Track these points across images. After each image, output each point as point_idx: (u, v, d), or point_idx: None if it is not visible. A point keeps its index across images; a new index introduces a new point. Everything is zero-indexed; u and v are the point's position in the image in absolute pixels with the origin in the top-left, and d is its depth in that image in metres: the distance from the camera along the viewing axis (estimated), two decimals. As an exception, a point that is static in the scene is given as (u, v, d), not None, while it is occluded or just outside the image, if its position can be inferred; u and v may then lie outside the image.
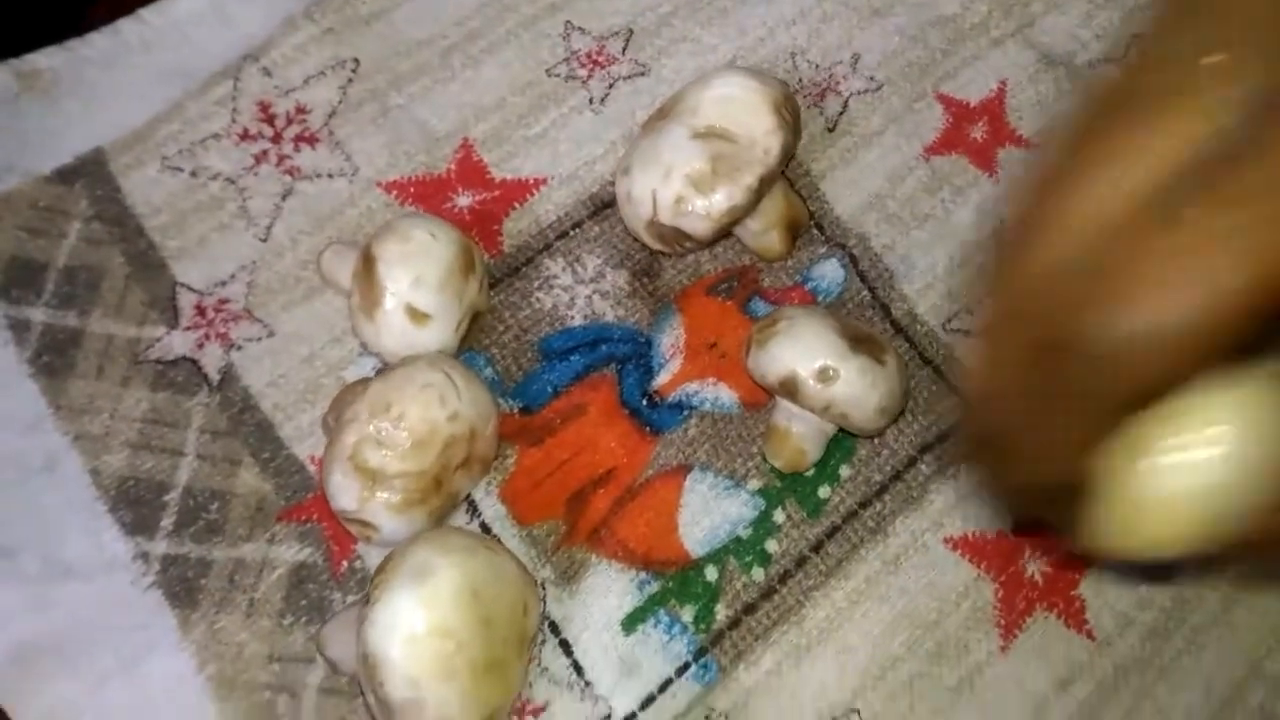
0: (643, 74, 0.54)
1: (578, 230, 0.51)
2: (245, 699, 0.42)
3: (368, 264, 0.44)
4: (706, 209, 0.46)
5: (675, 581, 0.45)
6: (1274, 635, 0.45)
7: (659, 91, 0.53)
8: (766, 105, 0.47)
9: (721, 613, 0.44)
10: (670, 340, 0.49)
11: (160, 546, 0.44)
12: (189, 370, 0.47)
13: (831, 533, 0.46)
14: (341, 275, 0.46)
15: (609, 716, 0.42)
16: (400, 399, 0.41)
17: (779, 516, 0.46)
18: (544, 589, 0.44)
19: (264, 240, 0.50)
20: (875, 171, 0.52)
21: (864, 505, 0.47)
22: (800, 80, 0.54)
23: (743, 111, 0.47)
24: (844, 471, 0.47)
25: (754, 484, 0.47)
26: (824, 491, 0.47)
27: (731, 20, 0.55)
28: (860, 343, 0.44)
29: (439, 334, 0.44)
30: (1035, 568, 0.46)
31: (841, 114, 0.53)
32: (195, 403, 0.47)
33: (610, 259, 0.50)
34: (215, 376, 0.47)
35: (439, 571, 0.38)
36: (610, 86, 0.54)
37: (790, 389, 0.44)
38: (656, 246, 0.48)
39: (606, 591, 0.44)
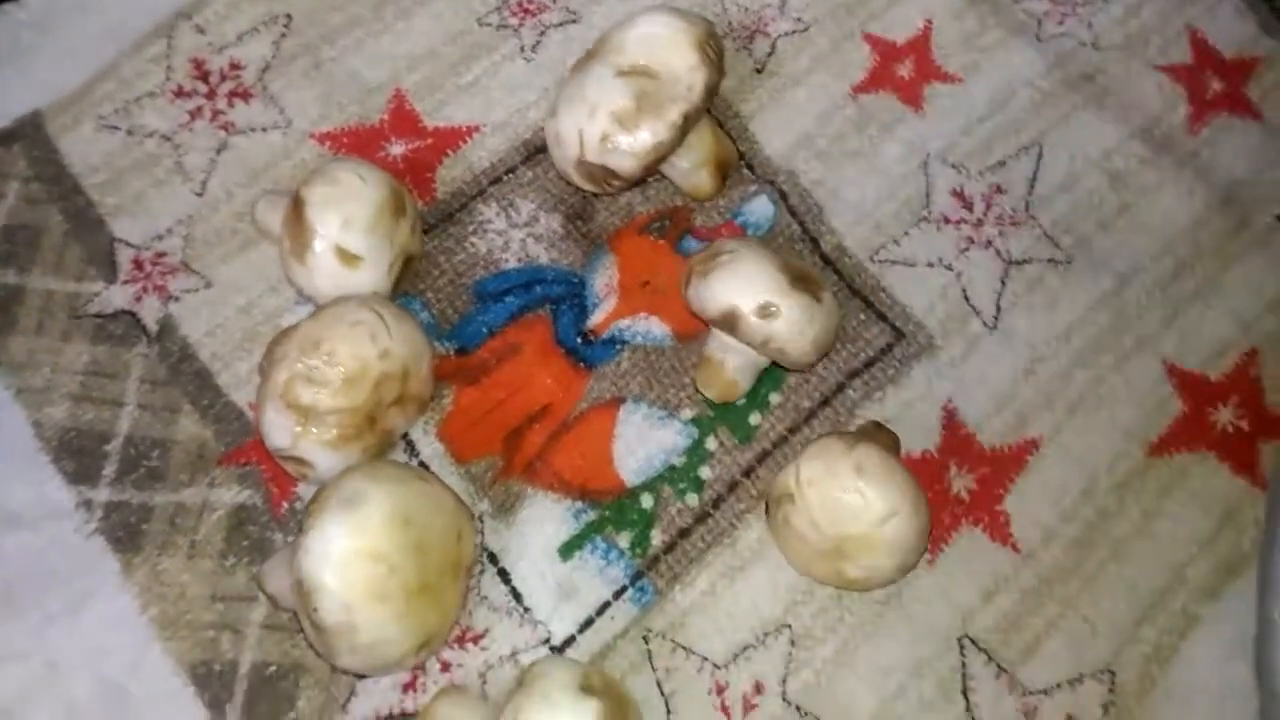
0: (574, 21, 0.55)
1: (511, 176, 0.51)
2: (189, 637, 0.43)
3: (297, 208, 0.45)
4: (631, 145, 0.47)
5: (611, 510, 0.46)
6: (1194, 543, 0.46)
7: (590, 38, 0.53)
8: (690, 42, 0.48)
9: (657, 538, 0.45)
10: (604, 280, 0.50)
11: (103, 494, 0.45)
12: (128, 323, 0.48)
13: (762, 458, 0.47)
14: (275, 224, 0.47)
15: (548, 640, 0.43)
16: (330, 336, 0.42)
17: (711, 444, 0.47)
18: (481, 521, 0.45)
19: (200, 194, 0.50)
20: (804, 111, 0.53)
21: (793, 431, 0.47)
22: (729, 23, 0.55)
23: (666, 49, 0.48)
24: (774, 399, 0.48)
25: (687, 413, 0.47)
26: (754, 419, 0.48)
27: (660, -33, 0.56)
28: (800, 280, 0.45)
29: (371, 276, 0.45)
30: (961, 484, 0.47)
31: (770, 55, 0.54)
32: (135, 354, 0.47)
33: (544, 203, 0.51)
34: (154, 328, 0.48)
35: (369, 499, 0.39)
36: (541, 34, 0.54)
37: (730, 323, 0.44)
38: (586, 186, 0.49)
39: (543, 521, 0.45)
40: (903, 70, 0.54)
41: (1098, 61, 0.55)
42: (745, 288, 0.44)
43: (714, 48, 0.48)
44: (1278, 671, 0.34)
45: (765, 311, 0.44)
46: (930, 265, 0.51)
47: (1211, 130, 0.54)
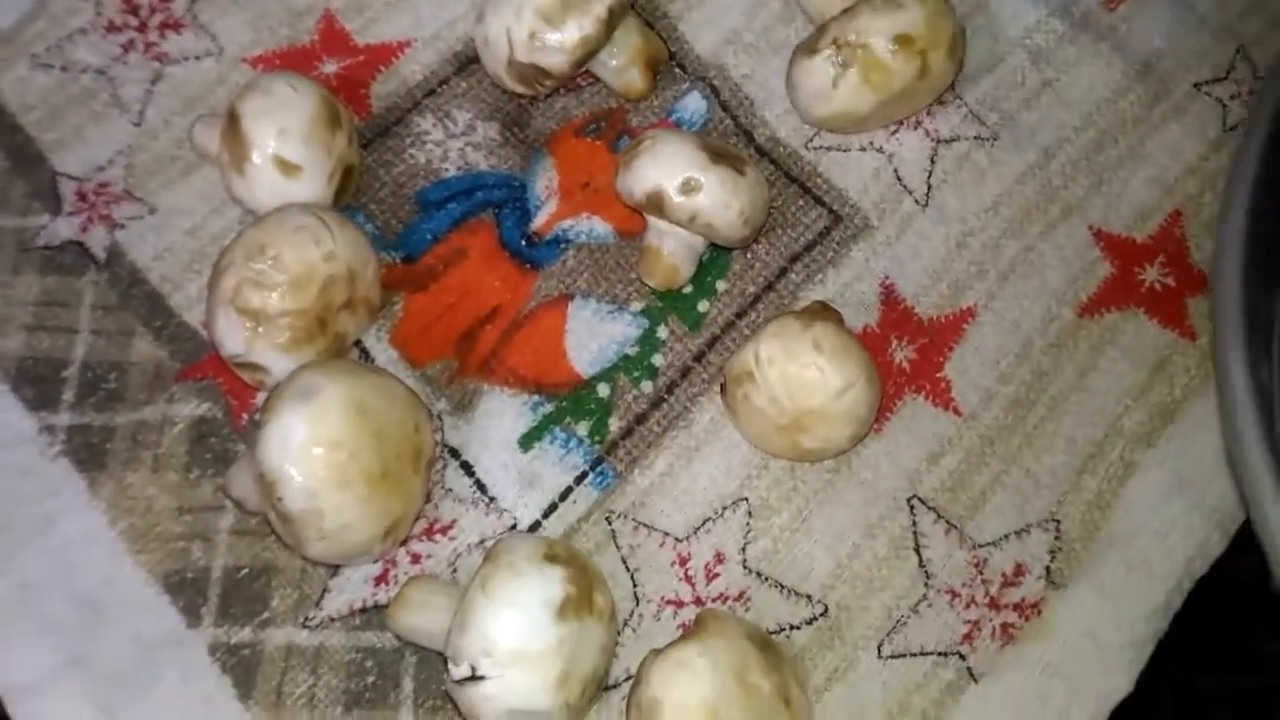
0: (499, -65, 0.55)
1: (445, 87, 0.52)
2: (160, 549, 0.44)
3: (233, 121, 0.45)
4: (560, 42, 0.47)
5: (568, 400, 0.47)
6: (1129, 395, 0.48)
7: (516, -51, 0.54)
8: (612, -60, 0.48)
9: (615, 424, 0.46)
10: (544, 183, 0.51)
11: (64, 418, 0.46)
12: (76, 252, 0.48)
13: (712, 343, 0.48)
14: (213, 144, 0.47)
15: (514, 526, 0.45)
16: (274, 240, 0.43)
17: (662, 333, 0.48)
18: (440, 420, 0.46)
19: (138, 125, 0.51)
20: (730, 8, 0.54)
21: (740, 315, 0.49)
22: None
23: (588, -53, 0.48)
24: (720, 286, 0.49)
25: (636, 305, 0.49)
26: (703, 306, 0.49)
27: (581, -123, 0.56)
28: (720, 156, 0.46)
29: (311, 185, 0.46)
30: (902, 355, 0.48)
31: (694, -45, 0.55)
32: (85, 281, 0.48)
33: (480, 112, 0.52)
34: (102, 255, 0.48)
35: (324, 389, 0.40)
36: (468, -53, 0.55)
37: (656, 203, 0.46)
38: (519, 89, 0.50)
39: (501, 415, 0.46)
40: (826, -37, 0.55)
41: (1015, -55, 0.56)
42: (666, 167, 0.45)
43: (637, -56, 0.49)
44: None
45: (687, 187, 0.45)
46: (862, 149, 0.52)
47: (1128, 5, 0.55)
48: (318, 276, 0.43)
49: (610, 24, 0.48)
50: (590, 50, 0.48)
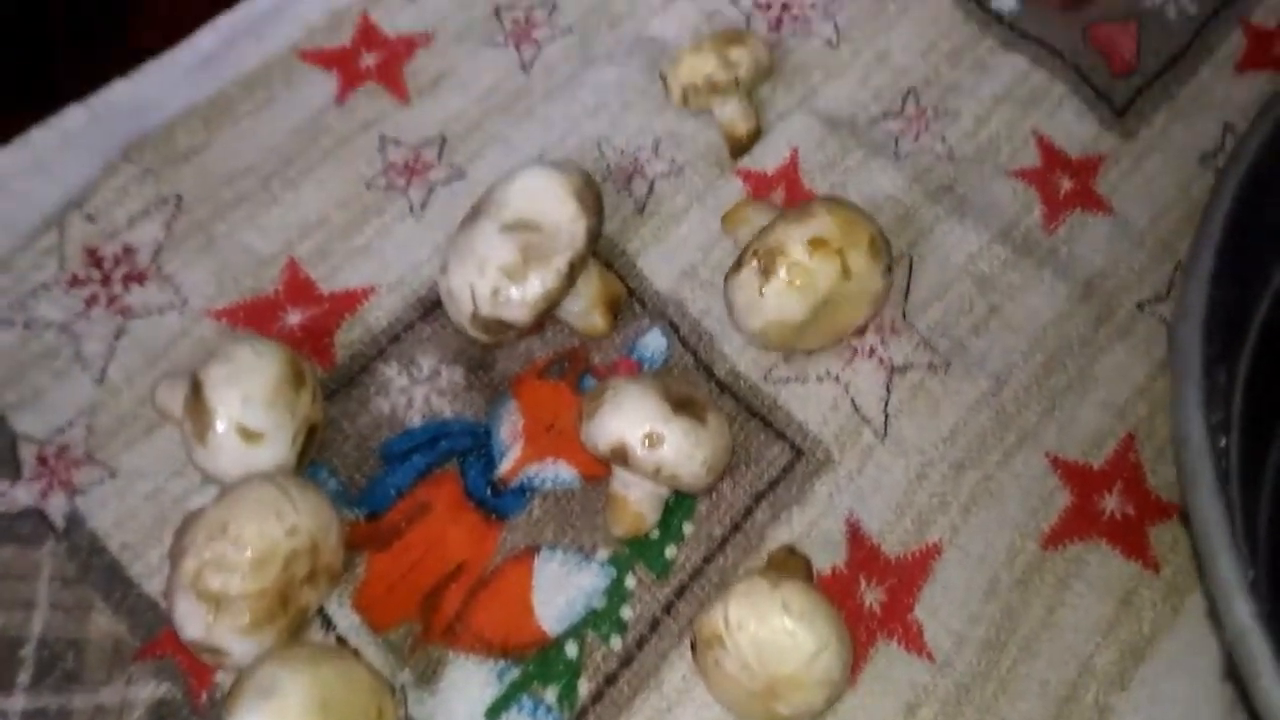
0: (459, 178, 0.57)
1: (409, 333, 0.53)
2: (114, 843, 0.42)
3: (196, 390, 0.45)
4: (522, 297, 0.48)
5: (535, 664, 0.46)
6: (1098, 632, 0.48)
7: (476, 192, 0.55)
8: (568, 193, 0.50)
9: (584, 688, 0.46)
10: (509, 427, 0.51)
11: (18, 703, 0.44)
12: (35, 521, 0.48)
13: (681, 591, 0.48)
14: (176, 407, 0.47)
15: (480, 803, 0.43)
16: (236, 519, 0.42)
17: (630, 582, 0.48)
18: (404, 692, 0.45)
19: (100, 382, 0.51)
20: (686, 244, 0.56)
21: (708, 560, 0.49)
22: (608, 167, 0.57)
23: (547, 201, 0.50)
24: (687, 529, 0.49)
25: (603, 553, 0.49)
26: (670, 551, 0.49)
27: (538, 117, 0.59)
28: (682, 405, 0.47)
29: (274, 451, 0.46)
30: (872, 598, 0.48)
31: (649, 195, 0.57)
32: (44, 552, 0.47)
33: (444, 356, 0.52)
34: (61, 524, 0.48)
35: (285, 686, 0.39)
36: (429, 192, 0.56)
37: (621, 456, 0.46)
38: (483, 338, 0.50)
39: (466, 685, 0.45)
40: (775, 198, 0.57)
41: (954, 173, 0.58)
42: (628, 420, 0.46)
43: (592, 194, 0.51)
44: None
45: (651, 440, 0.45)
46: (820, 379, 0.53)
47: (1067, 227, 0.57)
48: (280, 553, 0.43)
49: (571, 276, 0.49)
50: (553, 302, 0.49)
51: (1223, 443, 0.39)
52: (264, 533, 0.42)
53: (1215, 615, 0.33)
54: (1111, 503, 0.51)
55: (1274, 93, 0.47)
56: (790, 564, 0.47)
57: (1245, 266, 0.44)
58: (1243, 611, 0.32)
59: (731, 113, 0.57)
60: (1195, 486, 0.35)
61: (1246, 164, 0.44)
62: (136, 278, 0.53)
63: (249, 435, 0.45)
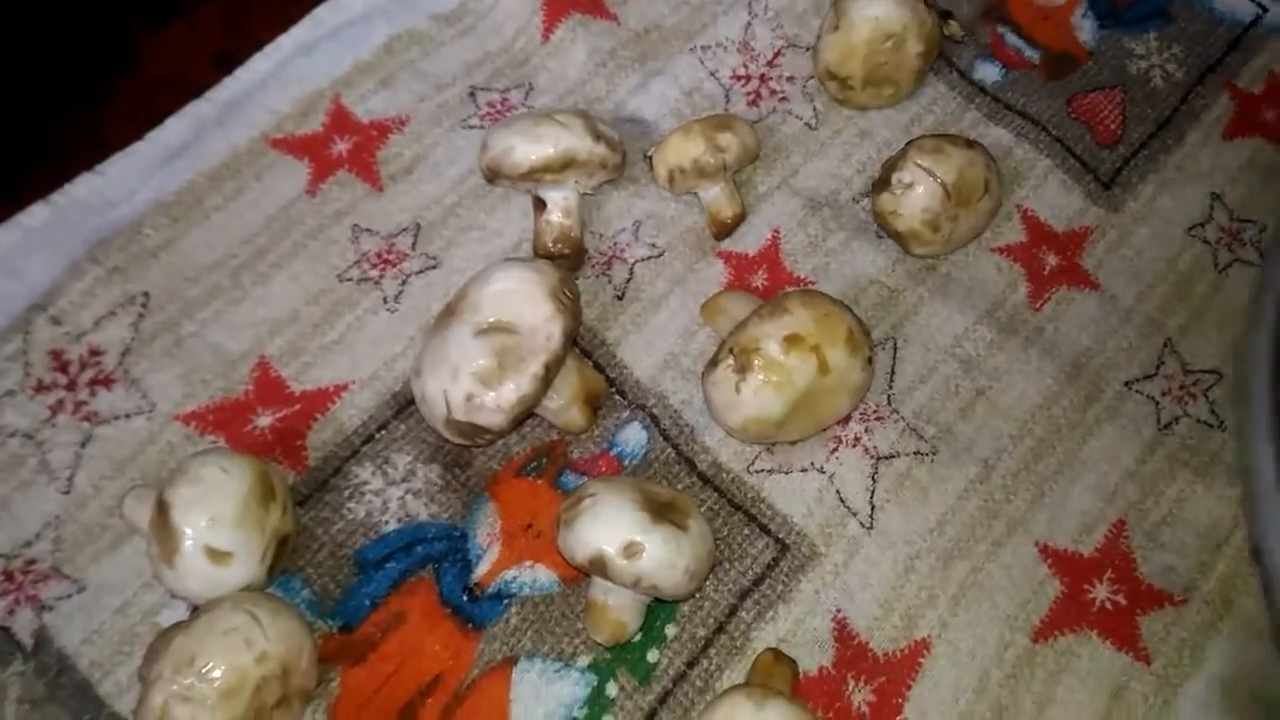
0: (434, 266, 0.56)
1: (384, 432, 0.52)
2: None
3: (162, 511, 0.44)
4: (497, 402, 0.47)
5: (514, 780, 0.45)
6: (1091, 729, 0.47)
7: (452, 282, 0.54)
8: (543, 293, 0.49)
9: (565, 802, 0.45)
10: (486, 529, 0.50)
11: (-18, 833, 0.43)
12: (2, 640, 0.47)
13: (664, 698, 0.47)
14: (143, 520, 0.46)
15: None
16: (203, 650, 0.41)
17: (612, 689, 0.47)
18: (382, 810, 0.44)
19: (66, 493, 0.50)
20: (666, 331, 0.55)
21: (691, 665, 0.48)
22: (586, 252, 0.56)
23: (521, 302, 0.49)
24: (670, 631, 0.48)
25: (583, 660, 0.47)
26: (653, 655, 0.48)
27: (514, 203, 0.57)
28: (662, 511, 0.46)
29: (243, 570, 0.45)
30: (860, 698, 0.47)
31: (629, 281, 0.56)
32: (10, 673, 0.46)
33: (420, 454, 0.51)
34: (29, 642, 0.47)
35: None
36: (403, 283, 0.55)
37: (600, 567, 0.45)
38: (458, 441, 0.49)
39: (445, 802, 0.44)
40: (757, 281, 0.56)
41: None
42: (606, 531, 0.45)
43: (568, 293, 0.50)
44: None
45: (630, 551, 0.44)
46: (804, 470, 0.52)
47: (1053, 305, 0.56)
48: (249, 681, 0.42)
49: (548, 379, 0.48)
50: (528, 406, 0.48)
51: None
52: (232, 663, 0.41)
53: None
54: (1102, 592, 0.50)
55: None
56: (776, 671, 0.46)
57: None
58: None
59: (717, 197, 0.56)
60: (1265, 521, 0.34)
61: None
62: (103, 382, 0.52)
63: (217, 556, 0.44)
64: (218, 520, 0.44)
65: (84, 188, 0.56)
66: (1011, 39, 0.63)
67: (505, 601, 0.48)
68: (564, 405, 0.51)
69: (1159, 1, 0.65)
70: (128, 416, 0.51)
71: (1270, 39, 0.64)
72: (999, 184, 0.56)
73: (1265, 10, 0.65)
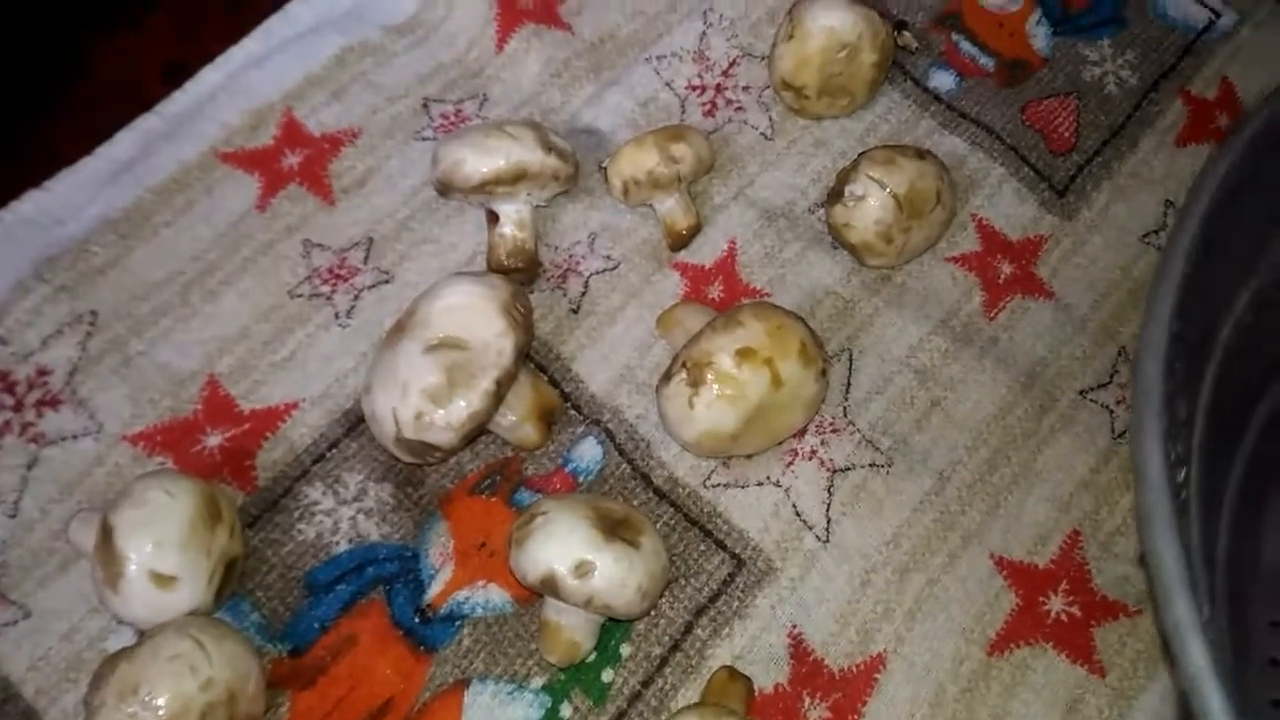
0: (387, 281, 0.55)
1: (335, 450, 0.51)
2: None
3: (106, 536, 0.44)
4: (447, 420, 0.47)
5: (466, 803, 0.45)
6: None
7: (405, 296, 0.54)
8: (494, 308, 0.49)
9: (518, 824, 0.44)
10: (438, 549, 0.49)
11: None
12: (-56, 667, 0.46)
13: (619, 719, 0.47)
14: (89, 543, 0.46)
15: None
16: (147, 677, 0.41)
17: (566, 710, 0.47)
18: (332, 836, 0.44)
19: (12, 516, 0.49)
20: (622, 344, 0.54)
21: (647, 684, 0.47)
22: (541, 265, 0.56)
23: (472, 318, 0.49)
24: (624, 650, 0.48)
25: (537, 681, 0.47)
26: (607, 675, 0.47)
27: (469, 216, 0.57)
28: (615, 529, 0.46)
29: (190, 593, 0.44)
30: (816, 715, 0.47)
31: (584, 294, 0.55)
32: (-48, 702, 0.45)
33: (371, 473, 0.51)
34: (-29, 671, 0.46)
35: None
36: (355, 298, 0.55)
37: (551, 587, 0.45)
38: (409, 460, 0.49)
39: (393, 830, 0.44)
40: (713, 292, 0.56)
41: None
42: (558, 550, 0.45)
43: (520, 308, 0.50)
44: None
45: (581, 570, 0.44)
46: (760, 484, 0.52)
47: (1007, 314, 0.56)
48: (194, 709, 0.41)
49: (499, 395, 0.48)
50: (480, 423, 0.48)
51: (1181, 476, 0.38)
52: (177, 690, 0.41)
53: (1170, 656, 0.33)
54: (1057, 604, 0.50)
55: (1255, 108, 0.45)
56: (731, 690, 0.46)
57: (1208, 293, 0.43)
58: (1197, 654, 0.31)
59: (672, 208, 0.56)
60: (1152, 526, 0.34)
61: (1210, 193, 0.42)
62: (50, 402, 0.51)
63: (162, 580, 0.43)
64: (162, 544, 0.43)
65: (31, 205, 0.55)
66: (966, 46, 0.63)
67: (458, 623, 0.48)
68: (517, 421, 0.50)
69: (1113, 8, 0.65)
70: (75, 438, 0.51)
71: (1223, 44, 0.64)
72: (952, 194, 0.56)
73: (1218, 16, 0.65)
